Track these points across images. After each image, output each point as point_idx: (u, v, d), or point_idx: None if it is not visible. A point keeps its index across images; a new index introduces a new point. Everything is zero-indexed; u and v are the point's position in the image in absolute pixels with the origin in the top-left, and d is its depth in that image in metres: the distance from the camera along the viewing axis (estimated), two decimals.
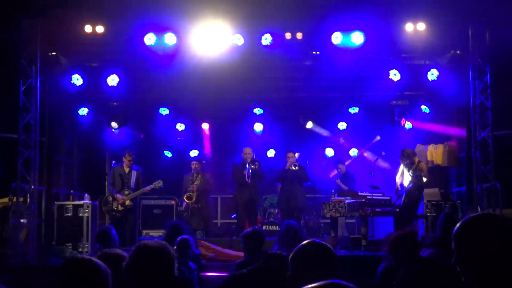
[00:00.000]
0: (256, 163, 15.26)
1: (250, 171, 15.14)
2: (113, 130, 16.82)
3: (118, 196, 14.83)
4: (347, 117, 18.13)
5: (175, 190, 17.34)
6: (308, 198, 16.81)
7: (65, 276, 3.61)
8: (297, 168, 15.19)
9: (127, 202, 14.79)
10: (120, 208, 14.98)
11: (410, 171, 13.75)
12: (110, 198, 15.01)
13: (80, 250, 14.15)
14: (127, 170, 15.16)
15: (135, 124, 17.79)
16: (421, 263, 6.35)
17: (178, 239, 8.20)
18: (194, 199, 15.42)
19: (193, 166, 15.82)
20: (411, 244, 6.57)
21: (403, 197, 13.80)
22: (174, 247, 7.42)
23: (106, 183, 15.01)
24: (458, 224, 3.25)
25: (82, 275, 3.58)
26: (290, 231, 8.94)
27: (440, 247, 7.31)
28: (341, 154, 18.60)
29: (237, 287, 6.60)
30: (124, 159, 15.33)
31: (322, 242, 4.00)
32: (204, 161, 16.20)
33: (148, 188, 15.09)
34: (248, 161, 15.31)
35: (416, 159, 13.96)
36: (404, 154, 13.85)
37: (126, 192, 14.88)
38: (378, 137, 14.49)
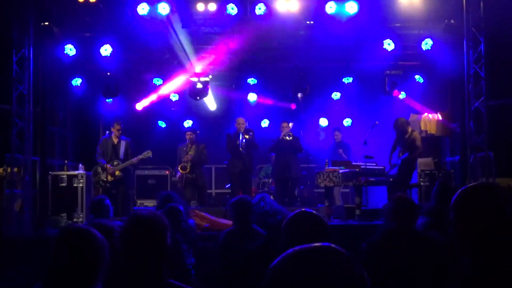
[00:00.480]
0: (250, 133, 15.18)
1: (244, 141, 15.06)
2: (108, 99, 16.76)
3: (108, 166, 14.73)
4: (341, 87, 18.10)
5: (169, 160, 17.31)
6: (302, 168, 16.75)
7: (62, 245, 3.58)
8: (291, 138, 15.12)
9: (117, 173, 14.70)
10: (109, 178, 14.84)
11: (403, 140, 13.71)
12: (99, 169, 14.91)
13: (75, 220, 14.12)
14: (115, 140, 15.01)
15: (129, 94, 17.69)
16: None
17: (166, 207, 8.08)
18: (188, 169, 15.31)
19: (187, 137, 15.66)
20: (414, 209, 6.52)
21: (397, 166, 13.77)
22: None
23: (96, 154, 14.87)
24: (456, 194, 3.22)
25: (79, 245, 3.55)
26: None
27: (432, 216, 7.32)
28: (335, 123, 18.60)
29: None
30: (112, 129, 15.19)
31: (313, 211, 4.02)
32: (198, 131, 15.95)
33: (136, 159, 14.96)
34: (242, 131, 15.23)
35: (410, 129, 13.91)
36: (397, 123, 13.80)
37: (115, 163, 14.75)
38: (377, 122, 14.39)
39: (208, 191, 18.08)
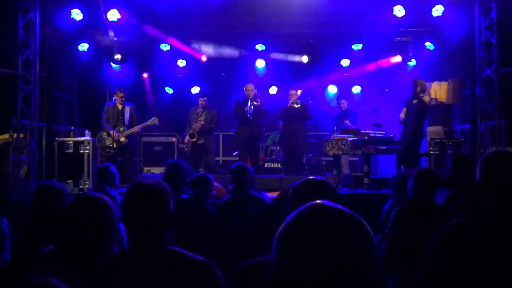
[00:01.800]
0: (258, 99, 14.95)
1: (252, 107, 14.84)
2: (114, 66, 16.61)
3: (113, 132, 14.51)
4: (350, 54, 17.81)
5: (176, 127, 17.39)
6: (310, 136, 16.51)
7: (76, 213, 3.85)
8: (299, 105, 14.88)
9: (122, 139, 14.45)
10: (115, 145, 14.63)
11: (413, 102, 13.34)
12: (105, 135, 14.65)
13: (81, 187, 14.06)
14: (120, 107, 14.76)
15: (136, 61, 17.56)
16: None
17: (195, 176, 8.14)
18: (196, 137, 15.04)
19: (200, 103, 15.32)
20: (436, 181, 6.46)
21: (406, 135, 13.54)
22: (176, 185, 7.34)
23: (101, 120, 14.71)
24: (480, 160, 3.13)
25: (92, 213, 3.82)
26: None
27: (453, 188, 7.18)
28: (344, 91, 18.44)
29: None
30: (115, 96, 14.91)
31: (322, 178, 3.90)
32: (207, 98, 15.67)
33: (141, 125, 14.70)
34: (250, 97, 14.99)
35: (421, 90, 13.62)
36: (417, 82, 13.38)
37: (121, 129, 14.51)
38: (386, 90, 14.15)
39: (216, 158, 17.94)
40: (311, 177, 3.90)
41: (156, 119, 14.75)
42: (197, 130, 15.13)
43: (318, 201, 2.16)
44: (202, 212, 7.93)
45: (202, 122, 15.15)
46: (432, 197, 6.48)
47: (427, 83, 15.74)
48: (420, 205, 6.28)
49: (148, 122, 14.70)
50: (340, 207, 2.14)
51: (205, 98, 15.31)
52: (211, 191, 8.15)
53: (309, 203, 2.15)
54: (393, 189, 7.82)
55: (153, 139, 17.49)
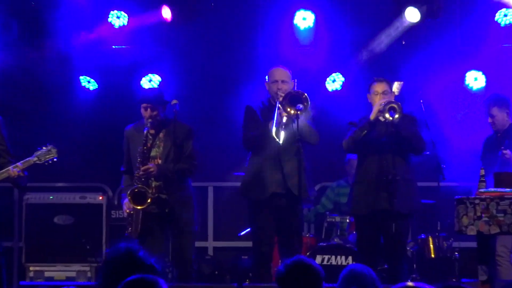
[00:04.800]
0: (301, 105, 7.26)
1: (285, 120, 7.37)
2: None
3: None
4: None
5: (107, 169, 9.86)
6: (427, 190, 8.84)
7: None
8: (396, 117, 7.25)
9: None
10: None
11: None
12: None
13: None
14: None
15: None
16: None
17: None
18: (150, 196, 7.28)
19: (145, 115, 7.51)
20: None
21: None
22: None
23: None
24: None
25: None
26: None
27: None
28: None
29: None
30: None
31: None
32: (175, 102, 7.60)
33: (20, 164, 7.22)
34: (281, 99, 7.34)
35: None
36: None
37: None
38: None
39: (199, 243, 9.71)
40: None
41: (54, 151, 7.43)
42: (149, 173, 7.40)
43: None
44: None
45: (159, 161, 7.62)
46: None
47: None
48: None
49: (35, 158, 7.35)
50: None
51: (173, 103, 7.60)
52: None
53: None
54: None
55: (51, 198, 9.69)
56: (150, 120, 7.23)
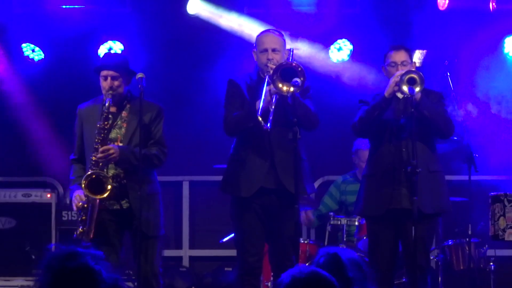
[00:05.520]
0: (297, 79, 5.99)
1: (275, 98, 6.16)
2: None
3: None
4: None
5: (56, 158, 8.91)
6: (456, 185, 8.23)
7: None
8: (417, 90, 6.29)
9: None
10: None
11: None
12: None
13: None
14: None
15: None
16: None
17: None
18: (111, 181, 6.02)
19: (104, 85, 6.22)
20: None
21: None
22: None
23: None
24: None
25: None
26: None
27: None
28: None
29: None
30: None
31: None
32: (141, 76, 6.28)
33: None
34: (271, 71, 6.10)
35: None
36: None
37: None
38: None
39: (172, 251, 9.33)
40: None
41: None
42: (106, 157, 6.20)
43: None
44: None
45: (119, 143, 6.37)
46: None
47: None
48: None
49: None
50: None
51: (139, 77, 6.36)
52: None
53: None
54: None
55: None
56: (111, 92, 6.11)
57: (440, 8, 8.85)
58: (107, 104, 6.03)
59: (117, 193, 6.06)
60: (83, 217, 6.01)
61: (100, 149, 5.97)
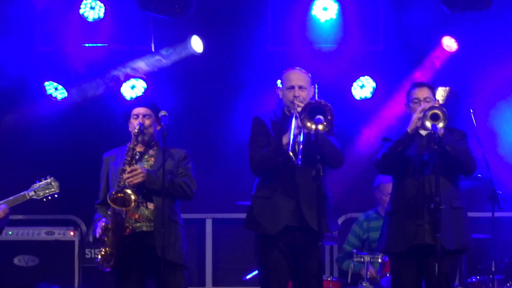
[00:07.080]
0: (321, 118, 6.03)
1: (302, 138, 6.14)
2: None
3: None
4: None
5: (79, 198, 8.96)
6: (479, 222, 8.25)
7: None
8: (440, 126, 6.29)
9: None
10: None
11: None
12: None
13: None
14: None
15: None
16: None
17: None
18: (133, 196, 5.87)
19: (133, 122, 6.20)
20: None
21: None
22: None
23: None
24: None
25: None
26: None
27: None
28: None
29: None
30: None
31: None
32: (165, 114, 6.24)
33: (13, 199, 6.61)
34: (299, 109, 6.13)
35: None
36: None
37: None
38: None
39: None
40: None
41: (56, 185, 6.66)
42: (128, 184, 6.01)
43: None
44: None
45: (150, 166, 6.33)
46: None
47: None
48: None
49: (31, 193, 6.62)
50: None
51: (162, 115, 6.31)
52: None
53: None
54: None
55: (10, 234, 8.98)
56: (142, 136, 6.02)
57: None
58: (128, 146, 5.94)
59: (142, 215, 5.98)
60: (106, 239, 5.91)
61: (128, 169, 5.89)
